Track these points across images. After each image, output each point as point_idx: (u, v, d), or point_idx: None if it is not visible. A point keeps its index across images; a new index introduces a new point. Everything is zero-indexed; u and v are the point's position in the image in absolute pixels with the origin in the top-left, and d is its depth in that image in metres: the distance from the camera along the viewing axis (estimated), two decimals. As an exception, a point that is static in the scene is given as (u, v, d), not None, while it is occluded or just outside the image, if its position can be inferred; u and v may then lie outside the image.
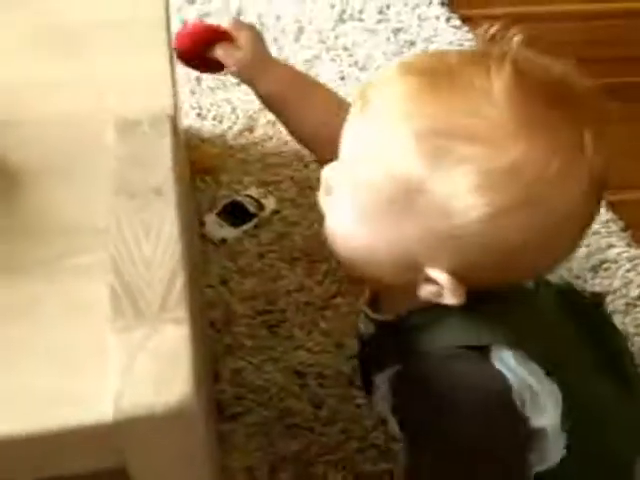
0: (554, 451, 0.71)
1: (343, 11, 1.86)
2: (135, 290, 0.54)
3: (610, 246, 1.30)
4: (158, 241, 0.58)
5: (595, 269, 1.26)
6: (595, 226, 1.33)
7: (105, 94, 0.72)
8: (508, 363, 0.67)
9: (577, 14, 1.99)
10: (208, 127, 1.44)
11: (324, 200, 0.71)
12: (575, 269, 1.26)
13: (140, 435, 0.47)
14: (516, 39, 0.64)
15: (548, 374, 0.67)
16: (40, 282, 0.56)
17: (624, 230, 1.34)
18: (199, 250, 1.12)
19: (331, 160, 0.70)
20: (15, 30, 0.82)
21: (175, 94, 0.75)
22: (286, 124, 0.88)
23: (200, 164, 1.32)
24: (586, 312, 0.79)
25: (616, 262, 1.27)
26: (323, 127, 0.81)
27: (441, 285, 0.64)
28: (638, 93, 1.75)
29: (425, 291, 0.65)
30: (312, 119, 0.84)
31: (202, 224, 1.22)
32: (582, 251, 1.28)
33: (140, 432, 0.47)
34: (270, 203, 1.29)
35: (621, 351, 0.82)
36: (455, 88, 0.61)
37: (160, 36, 0.83)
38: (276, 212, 1.27)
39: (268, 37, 1.76)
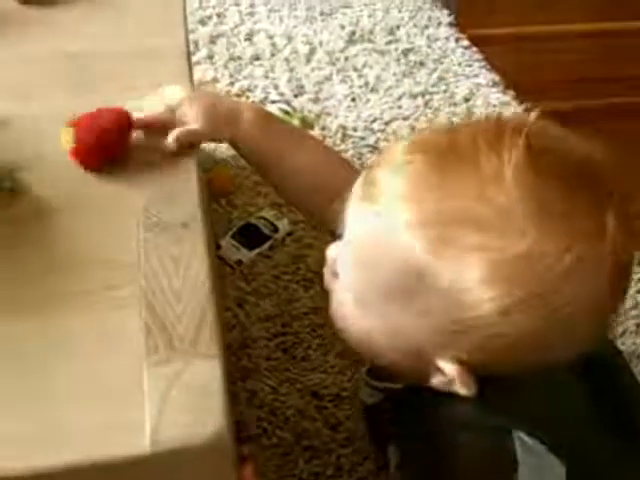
0: None
1: (353, 32, 1.89)
2: (168, 324, 0.55)
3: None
4: (187, 275, 0.59)
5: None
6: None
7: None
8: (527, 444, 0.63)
9: (586, 33, 2.00)
10: (222, 149, 1.46)
11: (330, 281, 0.69)
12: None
13: (176, 466, 0.49)
14: (533, 113, 0.61)
15: (556, 454, 0.63)
16: (76, 315, 0.57)
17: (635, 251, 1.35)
18: (218, 273, 1.14)
19: (331, 230, 0.69)
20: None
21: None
22: (275, 183, 0.83)
23: (215, 187, 1.34)
24: (603, 362, 0.75)
25: (627, 282, 1.28)
26: (316, 191, 0.78)
27: (450, 377, 0.61)
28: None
29: (436, 380, 0.63)
30: (300, 176, 0.79)
31: (218, 247, 1.24)
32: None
33: (176, 463, 0.49)
34: (284, 225, 1.31)
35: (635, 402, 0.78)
36: (463, 170, 0.57)
37: (181, 65, 0.84)
38: (290, 234, 1.28)
39: (280, 58, 1.79)
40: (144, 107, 0.75)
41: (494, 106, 1.63)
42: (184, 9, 0.97)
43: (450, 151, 0.58)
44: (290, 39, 1.85)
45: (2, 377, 0.54)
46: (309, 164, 0.79)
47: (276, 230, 1.30)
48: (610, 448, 0.71)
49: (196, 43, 1.74)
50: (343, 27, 1.88)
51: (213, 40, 1.79)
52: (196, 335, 0.55)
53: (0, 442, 0.50)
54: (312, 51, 1.78)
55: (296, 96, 1.61)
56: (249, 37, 1.85)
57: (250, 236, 1.27)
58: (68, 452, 0.49)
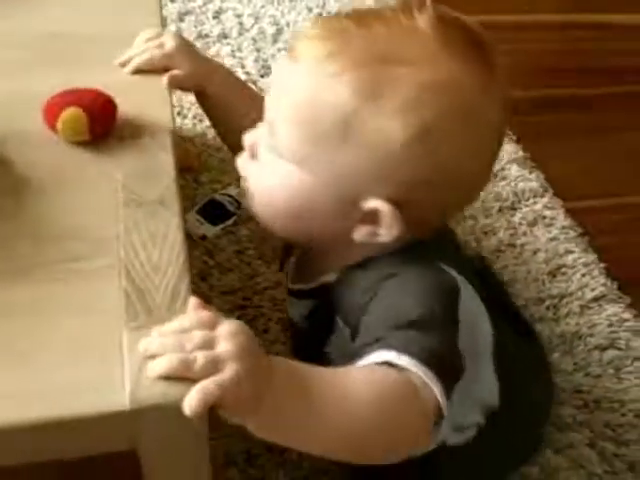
0: (486, 376, 0.76)
1: (320, 14, 1.93)
2: (146, 293, 0.60)
3: (568, 252, 1.38)
4: (164, 247, 0.64)
5: (553, 273, 1.34)
6: (554, 232, 1.41)
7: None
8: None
9: (554, 24, 2.06)
10: (188, 126, 1.50)
11: (248, 165, 0.75)
12: (533, 272, 1.34)
13: (152, 421, 0.54)
14: None
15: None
16: (58, 283, 0.62)
17: (581, 236, 1.43)
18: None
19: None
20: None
21: (172, 105, 0.81)
22: (219, 123, 0.93)
23: (181, 163, 1.37)
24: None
25: (573, 267, 1.35)
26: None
27: (379, 217, 0.67)
28: (600, 104, 1.83)
29: (360, 233, 0.69)
30: (242, 117, 0.85)
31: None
32: (541, 255, 1.37)
33: (152, 419, 0.54)
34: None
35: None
36: (382, 23, 0.67)
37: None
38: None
39: (247, 37, 1.83)
40: (134, 57, 0.84)
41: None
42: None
43: (369, 13, 0.70)
44: (257, 19, 1.88)
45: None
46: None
47: (240, 207, 1.34)
48: (511, 337, 0.83)
49: (164, 19, 1.76)
50: (310, 9, 1.91)
51: (181, 17, 1.82)
52: (172, 303, 0.59)
53: (8, 395, 0.55)
54: (279, 31, 1.82)
55: (262, 76, 1.65)
56: (217, 15, 1.88)
57: (214, 212, 1.31)
58: (53, 406, 0.53)
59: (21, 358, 0.57)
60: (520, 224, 1.41)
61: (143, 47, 0.86)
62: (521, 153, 1.57)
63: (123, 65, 0.84)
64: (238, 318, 1.14)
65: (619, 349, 1.22)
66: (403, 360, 0.61)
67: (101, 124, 0.73)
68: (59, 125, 0.72)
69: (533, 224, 1.42)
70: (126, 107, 0.77)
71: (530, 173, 1.52)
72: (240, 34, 1.82)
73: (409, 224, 0.68)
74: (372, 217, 0.68)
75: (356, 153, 0.66)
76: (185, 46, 0.88)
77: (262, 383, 0.55)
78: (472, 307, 0.72)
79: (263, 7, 1.93)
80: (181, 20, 1.81)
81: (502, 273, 1.30)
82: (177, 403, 0.52)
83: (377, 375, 0.62)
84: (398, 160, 0.66)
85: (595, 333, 1.25)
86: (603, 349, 1.23)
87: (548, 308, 1.27)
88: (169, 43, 0.86)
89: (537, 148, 1.61)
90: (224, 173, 1.41)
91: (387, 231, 0.68)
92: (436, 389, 0.61)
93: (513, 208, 1.45)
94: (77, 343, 0.58)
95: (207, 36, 1.81)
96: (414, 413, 0.61)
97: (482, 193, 1.45)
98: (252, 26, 1.85)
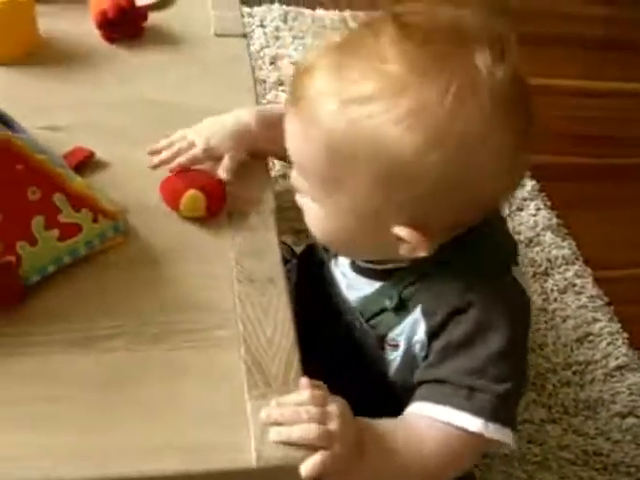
0: None
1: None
2: (263, 365, 0.71)
3: (595, 320, 1.49)
4: (276, 322, 0.75)
5: (580, 340, 1.45)
6: (583, 299, 1.52)
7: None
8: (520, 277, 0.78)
9: (588, 90, 2.15)
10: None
11: (299, 200, 0.79)
12: (563, 338, 1.45)
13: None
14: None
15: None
16: (186, 350, 0.73)
17: (607, 305, 1.53)
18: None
19: None
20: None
21: (273, 186, 0.92)
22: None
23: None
24: None
25: (599, 335, 1.46)
26: None
27: (407, 240, 0.71)
28: (634, 174, 1.93)
29: (402, 250, 0.73)
30: None
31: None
32: (570, 322, 1.47)
33: (274, 477, 0.65)
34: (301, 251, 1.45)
35: None
36: (353, 58, 0.68)
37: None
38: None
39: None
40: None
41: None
42: (252, 68, 1.12)
43: (339, 47, 0.71)
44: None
45: (129, 399, 0.69)
46: None
47: (295, 255, 1.44)
48: None
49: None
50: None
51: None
52: (286, 376, 0.70)
53: (142, 451, 0.65)
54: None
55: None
56: (273, 61, 1.98)
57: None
58: (189, 462, 0.64)
59: (156, 417, 0.67)
60: (552, 290, 1.52)
61: (175, 148, 0.90)
62: (555, 220, 1.67)
63: (155, 167, 0.90)
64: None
65: (638, 417, 1.33)
66: (480, 427, 0.73)
67: (216, 204, 0.84)
68: (181, 206, 0.83)
69: (564, 291, 1.52)
70: (232, 186, 0.88)
71: (563, 240, 1.62)
72: (296, 82, 1.92)
73: (445, 230, 0.73)
74: (402, 238, 0.72)
75: (360, 190, 0.70)
76: (216, 135, 0.91)
77: (356, 457, 0.68)
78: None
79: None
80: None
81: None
82: (296, 465, 0.63)
83: (453, 443, 0.74)
84: (401, 186, 0.69)
85: (617, 401, 1.36)
86: (624, 416, 1.33)
87: (575, 373, 1.38)
88: (199, 142, 0.91)
89: (569, 215, 1.71)
90: (280, 220, 1.49)
91: (421, 249, 0.72)
92: (509, 440, 0.74)
93: (546, 274, 1.55)
94: (205, 406, 0.68)
95: (264, 82, 1.91)
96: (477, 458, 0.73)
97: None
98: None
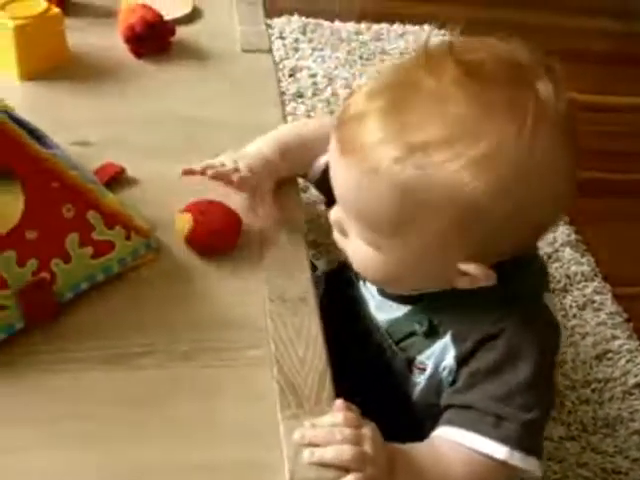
0: None
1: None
2: (295, 385, 0.71)
3: (614, 337, 1.49)
4: (308, 342, 0.75)
5: (599, 357, 1.45)
6: (602, 316, 1.52)
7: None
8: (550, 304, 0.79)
9: (585, 104, 2.16)
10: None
11: (342, 241, 0.78)
12: (582, 355, 1.45)
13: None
14: (454, 33, 0.73)
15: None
16: (219, 369, 0.73)
17: (627, 322, 1.53)
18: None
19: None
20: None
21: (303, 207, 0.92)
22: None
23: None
24: None
25: (618, 353, 1.46)
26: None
27: (473, 275, 0.71)
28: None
29: (461, 283, 0.73)
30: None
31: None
32: (589, 340, 1.47)
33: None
34: (321, 265, 1.45)
35: None
36: (413, 101, 0.66)
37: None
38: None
39: (321, 98, 1.95)
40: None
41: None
42: (278, 83, 1.13)
43: (397, 90, 0.68)
44: (331, 80, 2.00)
45: (160, 417, 0.69)
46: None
47: (314, 269, 1.44)
48: None
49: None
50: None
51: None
52: (318, 397, 0.70)
53: (173, 470, 0.65)
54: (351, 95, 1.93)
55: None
56: (292, 73, 2.00)
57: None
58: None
59: (187, 435, 0.68)
60: (571, 307, 1.52)
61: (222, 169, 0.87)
62: (574, 236, 1.67)
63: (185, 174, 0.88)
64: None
65: (657, 435, 1.33)
66: (506, 455, 0.73)
67: (220, 239, 0.83)
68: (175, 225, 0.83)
69: (583, 307, 1.53)
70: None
71: (582, 257, 1.63)
72: (314, 94, 1.94)
73: (501, 257, 0.73)
74: (465, 273, 0.72)
75: (428, 235, 0.69)
76: (251, 163, 0.88)
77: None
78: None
79: (336, 69, 2.05)
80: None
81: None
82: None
83: (478, 469, 0.74)
84: (471, 227, 0.68)
85: (636, 418, 1.36)
86: (642, 434, 1.33)
87: (594, 391, 1.38)
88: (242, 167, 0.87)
89: (588, 231, 1.71)
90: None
91: (484, 282, 0.72)
92: (534, 468, 0.74)
93: (565, 290, 1.55)
94: (237, 426, 0.68)
95: (283, 94, 1.92)
96: None
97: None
98: (325, 87, 1.97)
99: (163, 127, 1.01)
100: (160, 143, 0.98)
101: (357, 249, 0.76)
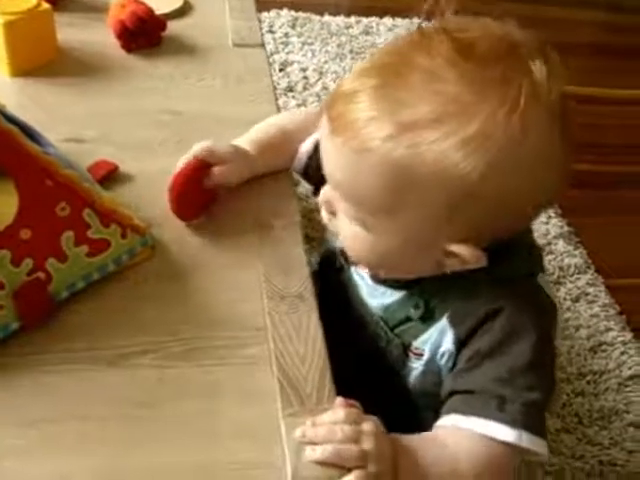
0: None
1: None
2: (296, 383, 0.70)
3: (608, 329, 1.49)
4: (307, 340, 0.74)
5: (594, 349, 1.45)
6: (595, 309, 1.52)
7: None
8: (546, 285, 0.77)
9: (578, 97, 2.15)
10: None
11: (331, 222, 0.77)
12: (576, 347, 1.45)
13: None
14: (448, 12, 0.71)
15: None
16: (219, 367, 0.72)
17: (620, 314, 1.53)
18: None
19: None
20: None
21: (297, 199, 0.91)
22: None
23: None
24: None
25: (612, 345, 1.46)
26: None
27: (462, 256, 0.70)
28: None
29: (450, 264, 0.72)
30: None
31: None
32: (583, 332, 1.47)
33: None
34: (314, 259, 1.45)
35: None
36: (406, 79, 0.66)
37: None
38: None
39: (312, 92, 1.94)
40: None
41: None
42: (271, 77, 1.12)
43: (390, 68, 0.67)
44: (321, 74, 1.99)
45: (160, 417, 0.69)
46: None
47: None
48: None
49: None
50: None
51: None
52: (319, 394, 0.70)
53: (175, 470, 0.65)
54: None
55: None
56: (283, 68, 1.99)
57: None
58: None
59: (188, 435, 0.67)
60: (565, 299, 1.52)
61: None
62: (566, 228, 1.67)
63: None
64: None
65: (652, 427, 1.33)
66: (515, 437, 0.71)
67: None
68: None
69: (576, 300, 1.53)
70: (256, 200, 0.88)
71: (575, 249, 1.63)
72: (305, 89, 1.93)
73: (494, 240, 0.72)
74: (455, 254, 0.71)
75: (419, 214, 0.69)
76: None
77: (391, 475, 0.67)
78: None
79: (326, 63, 2.04)
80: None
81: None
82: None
83: (486, 455, 0.72)
84: (461, 208, 0.68)
85: (631, 410, 1.36)
86: (638, 426, 1.33)
87: (589, 383, 1.38)
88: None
89: (580, 223, 1.71)
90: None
91: (476, 263, 0.71)
92: (543, 450, 0.71)
93: (558, 283, 1.55)
94: (238, 424, 0.68)
95: (274, 88, 1.91)
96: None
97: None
98: (316, 81, 1.96)
99: (155, 123, 1.00)
100: (152, 139, 0.97)
101: (347, 230, 0.75)
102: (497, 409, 0.72)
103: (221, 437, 0.67)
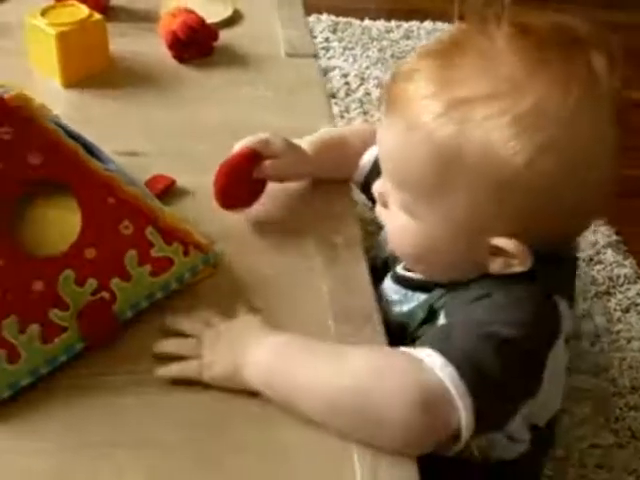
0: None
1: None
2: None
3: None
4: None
5: None
6: None
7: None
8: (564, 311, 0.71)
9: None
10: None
11: (381, 213, 0.77)
12: (628, 360, 1.42)
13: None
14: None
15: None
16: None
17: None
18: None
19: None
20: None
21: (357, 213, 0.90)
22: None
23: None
24: None
25: None
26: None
27: (509, 253, 0.68)
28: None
29: (495, 265, 0.70)
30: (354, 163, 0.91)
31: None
32: (635, 344, 1.44)
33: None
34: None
35: None
36: (462, 59, 0.66)
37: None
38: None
39: (355, 98, 1.92)
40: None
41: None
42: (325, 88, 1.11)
43: (448, 50, 0.68)
44: (363, 80, 1.97)
45: (226, 440, 0.67)
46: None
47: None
48: None
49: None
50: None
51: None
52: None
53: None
54: (384, 95, 1.91)
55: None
56: (324, 73, 1.97)
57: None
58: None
59: (253, 459, 0.66)
60: (615, 310, 1.49)
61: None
62: (614, 237, 1.64)
63: None
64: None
65: None
66: (423, 354, 0.65)
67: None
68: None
69: (627, 310, 1.50)
70: (315, 215, 0.87)
71: (624, 259, 1.60)
72: (347, 95, 1.91)
73: (541, 244, 0.69)
74: (501, 251, 0.69)
75: (465, 199, 0.67)
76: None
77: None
78: (561, 352, 0.72)
79: (368, 68, 2.02)
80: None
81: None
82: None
83: (377, 359, 0.68)
84: (509, 194, 0.66)
85: (683, 427, 1.33)
86: (692, 441, 1.30)
87: (641, 398, 1.35)
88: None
89: (628, 231, 1.68)
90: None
91: (520, 263, 0.69)
92: (460, 404, 0.63)
93: (608, 293, 1.53)
94: (306, 451, 0.67)
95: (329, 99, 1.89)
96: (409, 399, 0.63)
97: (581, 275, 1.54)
98: (358, 87, 1.94)
99: (209, 135, 0.99)
100: (207, 151, 0.95)
101: (395, 221, 0.75)
102: (439, 341, 0.67)
103: (287, 464, 0.65)
